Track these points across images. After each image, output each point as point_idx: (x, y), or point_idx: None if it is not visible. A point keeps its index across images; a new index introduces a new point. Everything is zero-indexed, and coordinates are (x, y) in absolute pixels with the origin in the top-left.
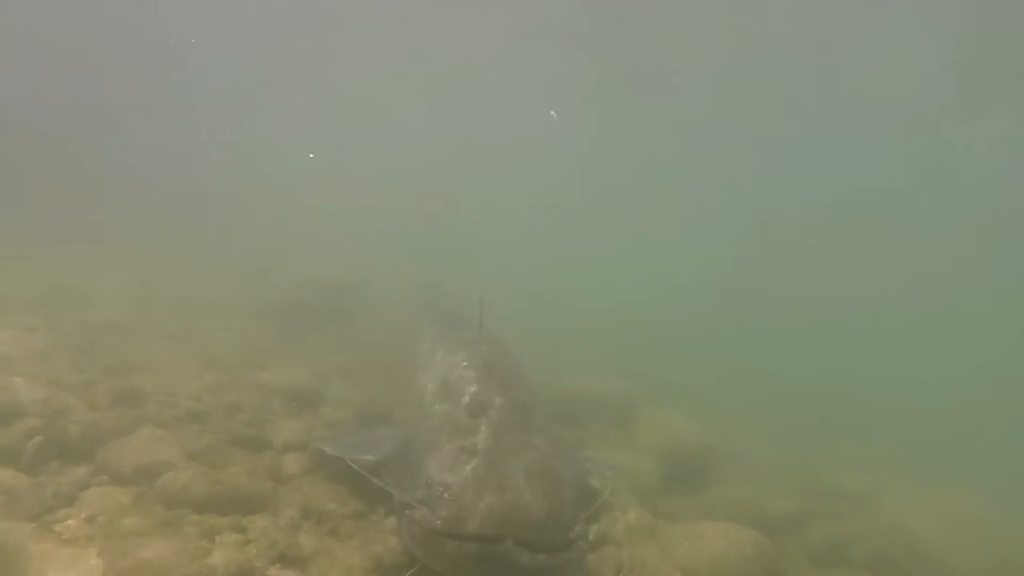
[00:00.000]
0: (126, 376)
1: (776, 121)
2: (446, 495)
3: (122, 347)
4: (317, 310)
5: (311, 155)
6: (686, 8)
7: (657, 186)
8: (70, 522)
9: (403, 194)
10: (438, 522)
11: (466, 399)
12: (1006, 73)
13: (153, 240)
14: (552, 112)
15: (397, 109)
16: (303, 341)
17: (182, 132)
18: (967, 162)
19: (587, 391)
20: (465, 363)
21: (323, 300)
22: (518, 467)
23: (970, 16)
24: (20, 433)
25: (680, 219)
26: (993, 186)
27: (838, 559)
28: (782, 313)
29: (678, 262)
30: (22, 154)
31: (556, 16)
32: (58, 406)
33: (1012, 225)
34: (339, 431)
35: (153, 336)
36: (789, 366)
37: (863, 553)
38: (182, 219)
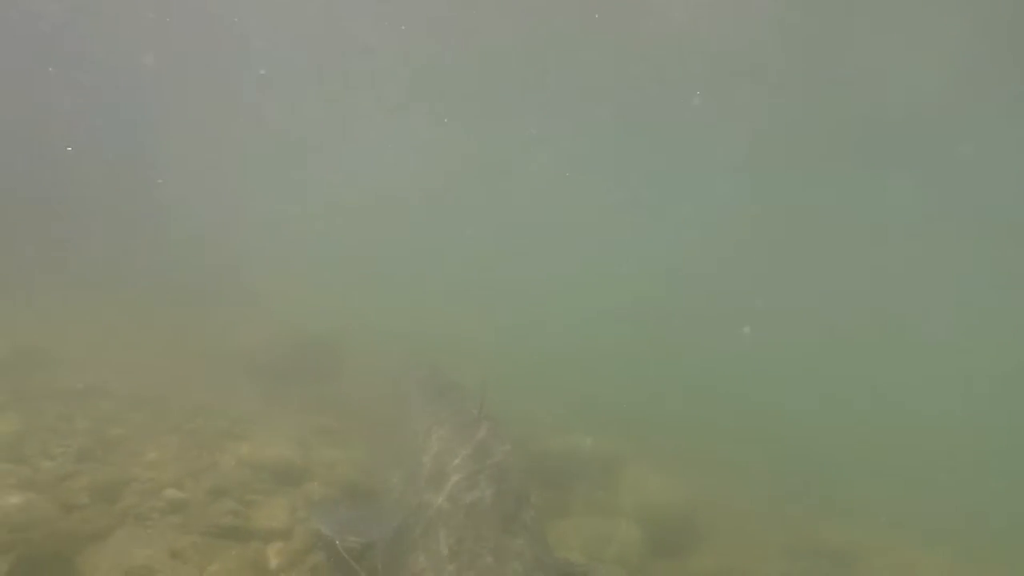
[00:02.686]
0: (103, 461)
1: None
2: None
3: (97, 421)
4: (298, 365)
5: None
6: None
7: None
8: None
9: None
10: None
11: (459, 494)
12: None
13: (122, 286)
14: None
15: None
16: (284, 401)
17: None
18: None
19: (565, 450)
20: (462, 451)
21: (304, 353)
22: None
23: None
24: None
25: (612, 238)
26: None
27: None
28: (732, 336)
29: (613, 286)
30: None
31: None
32: (32, 515)
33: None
34: (333, 504)
35: (128, 404)
36: (757, 393)
37: None
38: (155, 260)
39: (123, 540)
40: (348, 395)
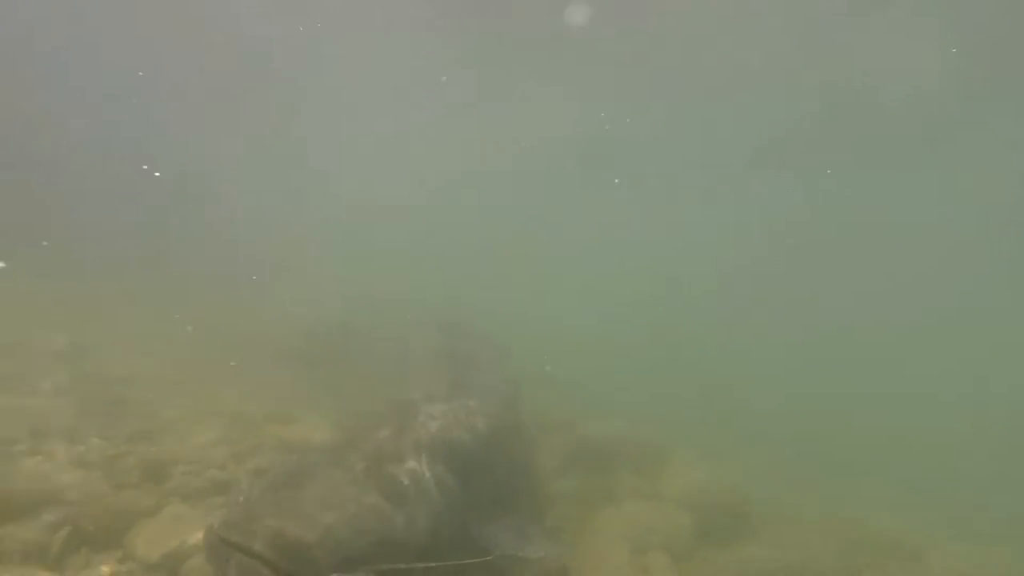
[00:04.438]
0: (152, 443)
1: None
2: (241, 498)
3: (147, 406)
4: (342, 348)
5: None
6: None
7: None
8: None
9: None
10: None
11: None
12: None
13: (161, 272)
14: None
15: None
16: (328, 385)
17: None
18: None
19: (609, 437)
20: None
21: (347, 336)
22: (316, 496)
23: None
24: (48, 525)
25: (647, 230)
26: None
27: None
28: (769, 331)
29: (656, 281)
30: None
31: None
32: (88, 490)
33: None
34: None
35: (176, 389)
36: (791, 389)
37: None
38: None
39: (169, 518)
40: (390, 378)
